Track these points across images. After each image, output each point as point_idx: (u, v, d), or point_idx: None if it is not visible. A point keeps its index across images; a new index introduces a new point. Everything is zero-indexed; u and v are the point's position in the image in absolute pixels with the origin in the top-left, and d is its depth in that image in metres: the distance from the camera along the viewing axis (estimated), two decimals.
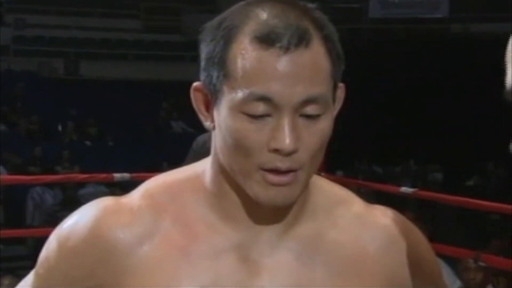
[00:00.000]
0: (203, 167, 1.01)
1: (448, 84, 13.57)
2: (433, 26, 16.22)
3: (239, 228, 0.98)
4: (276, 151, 0.89)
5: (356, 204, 1.04)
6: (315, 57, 0.90)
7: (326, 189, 1.04)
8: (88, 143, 13.22)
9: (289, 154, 0.89)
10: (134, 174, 4.52)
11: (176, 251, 0.97)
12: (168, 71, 14.49)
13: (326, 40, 0.92)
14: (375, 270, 1.00)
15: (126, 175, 4.45)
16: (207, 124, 0.96)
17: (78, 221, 1.01)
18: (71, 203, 8.20)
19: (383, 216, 1.04)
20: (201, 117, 0.97)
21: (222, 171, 0.97)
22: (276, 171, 0.91)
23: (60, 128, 13.48)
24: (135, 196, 1.02)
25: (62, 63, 15.90)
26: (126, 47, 16.51)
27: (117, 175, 4.47)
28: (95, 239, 0.99)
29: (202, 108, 0.97)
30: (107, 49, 16.23)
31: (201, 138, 3.08)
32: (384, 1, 17.03)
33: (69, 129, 13.24)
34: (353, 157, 12.92)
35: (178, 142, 12.32)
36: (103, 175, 4.69)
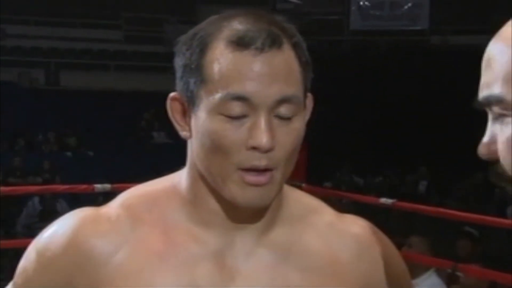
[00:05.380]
0: (179, 177, 1.03)
1: (428, 94, 13.67)
2: (413, 38, 16.36)
3: (215, 234, 1.00)
4: (254, 149, 0.92)
5: (328, 213, 1.07)
6: (287, 60, 0.94)
7: (299, 199, 1.07)
8: (68, 153, 13.16)
9: (266, 151, 0.92)
10: (115, 185, 4.49)
11: (154, 258, 0.98)
12: (150, 82, 14.47)
13: (296, 46, 0.96)
14: (348, 276, 1.03)
15: (107, 186, 4.43)
16: (183, 133, 0.99)
17: (56, 230, 1.03)
18: (50, 215, 8.13)
19: (353, 225, 1.07)
20: (177, 127, 0.99)
21: (199, 179, 0.99)
22: (254, 170, 0.93)
23: (40, 138, 13.40)
24: (113, 206, 1.04)
25: (43, 74, 15.82)
26: (107, 58, 16.46)
27: (98, 186, 4.45)
28: (73, 247, 1.00)
29: (178, 117, 0.99)
30: (88, 59, 16.18)
31: None
32: (364, 14, 17.16)
33: (49, 139, 13.16)
34: (335, 168, 12.96)
35: (159, 152, 12.32)
36: (84, 186, 4.66)
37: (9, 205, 8.91)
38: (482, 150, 0.79)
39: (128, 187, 1.10)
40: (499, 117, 0.77)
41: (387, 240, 1.10)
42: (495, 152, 0.78)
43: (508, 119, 0.76)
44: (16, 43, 15.75)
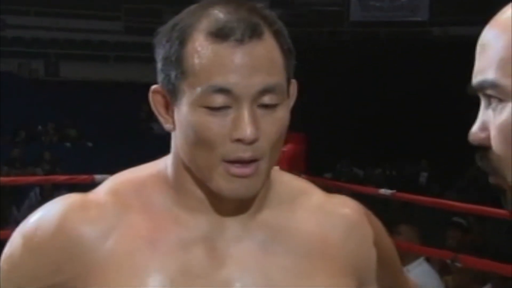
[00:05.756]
0: (165, 163, 1.03)
1: (428, 85, 13.66)
2: (413, 29, 16.34)
3: (204, 220, 1.00)
4: (238, 141, 0.92)
5: (317, 194, 1.08)
6: (269, 49, 0.93)
7: (288, 181, 1.07)
8: (68, 144, 13.16)
9: (250, 143, 0.92)
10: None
11: (143, 243, 0.98)
12: (149, 73, 14.41)
13: (277, 34, 0.95)
14: (337, 256, 1.03)
15: (106, 177, 4.43)
16: (167, 126, 0.98)
17: (44, 216, 1.02)
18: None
19: (343, 206, 1.07)
20: (161, 120, 0.99)
21: (183, 170, 0.99)
22: (239, 162, 0.93)
23: (40, 129, 13.41)
24: (101, 192, 1.03)
25: (43, 64, 15.82)
26: (107, 49, 16.45)
27: (98, 176, 4.45)
28: (61, 233, 0.99)
29: (162, 110, 0.98)
30: (88, 50, 16.17)
31: None
32: (365, 5, 17.13)
33: (49, 130, 13.16)
34: (335, 160, 12.97)
35: (159, 143, 12.31)
36: (84, 177, 4.66)
37: (10, 196, 8.93)
38: (473, 136, 0.78)
39: None
40: (492, 103, 0.76)
41: (378, 222, 1.10)
42: (487, 138, 0.77)
43: (502, 105, 0.75)
44: (16, 34, 15.73)
